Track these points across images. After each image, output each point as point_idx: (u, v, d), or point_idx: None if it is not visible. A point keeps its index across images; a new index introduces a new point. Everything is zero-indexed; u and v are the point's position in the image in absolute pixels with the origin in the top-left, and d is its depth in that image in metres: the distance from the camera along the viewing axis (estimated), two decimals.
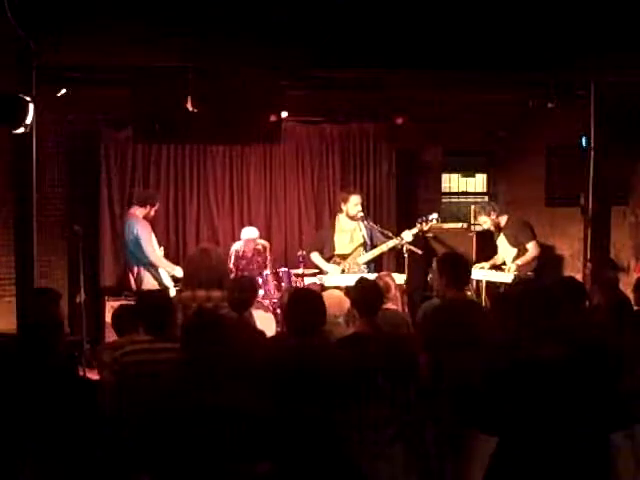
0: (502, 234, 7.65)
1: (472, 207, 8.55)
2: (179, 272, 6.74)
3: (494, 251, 7.81)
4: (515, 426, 2.66)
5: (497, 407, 2.68)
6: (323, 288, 6.62)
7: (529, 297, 2.90)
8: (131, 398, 3.63)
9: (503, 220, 7.66)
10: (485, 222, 7.70)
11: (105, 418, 3.60)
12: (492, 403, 2.70)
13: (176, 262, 8.05)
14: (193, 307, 4.78)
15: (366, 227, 7.34)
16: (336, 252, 7.30)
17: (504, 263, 7.63)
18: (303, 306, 3.80)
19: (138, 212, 7.15)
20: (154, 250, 7.08)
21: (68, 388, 3.58)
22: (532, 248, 7.48)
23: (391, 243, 7.17)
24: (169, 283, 7.08)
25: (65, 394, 3.52)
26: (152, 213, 7.29)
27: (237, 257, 7.71)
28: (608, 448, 2.65)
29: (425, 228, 7.32)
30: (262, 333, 4.53)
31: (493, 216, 7.62)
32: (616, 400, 2.69)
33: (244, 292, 4.72)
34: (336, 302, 5.03)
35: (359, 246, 7.33)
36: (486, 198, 9.39)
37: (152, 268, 7.08)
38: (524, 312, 2.85)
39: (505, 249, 7.64)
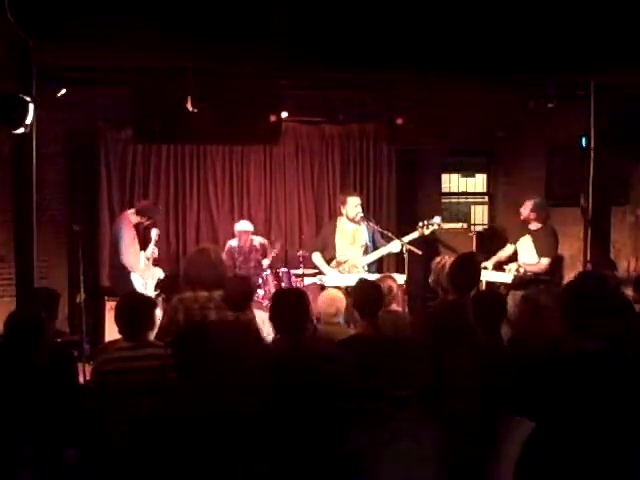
0: (530, 236, 7.29)
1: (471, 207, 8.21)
2: (159, 273, 7.23)
3: (494, 251, 7.77)
4: (554, 414, 2.67)
5: (539, 394, 2.71)
6: (323, 288, 6.60)
7: (575, 296, 2.94)
8: (113, 405, 3.65)
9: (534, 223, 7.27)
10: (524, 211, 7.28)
11: (89, 419, 3.62)
12: (535, 390, 2.73)
13: (176, 262, 8.09)
14: (195, 308, 4.75)
15: (367, 228, 7.29)
16: (337, 253, 7.21)
17: (508, 262, 7.41)
18: (286, 305, 3.78)
19: (132, 218, 7.11)
20: (129, 255, 6.99)
21: (51, 389, 3.59)
22: (544, 263, 7.14)
23: (390, 247, 7.04)
24: (140, 289, 6.95)
25: (48, 395, 3.54)
26: (145, 224, 7.22)
27: (233, 253, 7.70)
28: None
29: (426, 232, 7.09)
30: (259, 333, 4.50)
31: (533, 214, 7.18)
32: None
33: (240, 291, 4.65)
34: (333, 302, 5.02)
35: (360, 248, 7.25)
36: (486, 198, 9.38)
37: (125, 271, 7.00)
38: (571, 309, 2.89)
39: (529, 253, 7.31)
